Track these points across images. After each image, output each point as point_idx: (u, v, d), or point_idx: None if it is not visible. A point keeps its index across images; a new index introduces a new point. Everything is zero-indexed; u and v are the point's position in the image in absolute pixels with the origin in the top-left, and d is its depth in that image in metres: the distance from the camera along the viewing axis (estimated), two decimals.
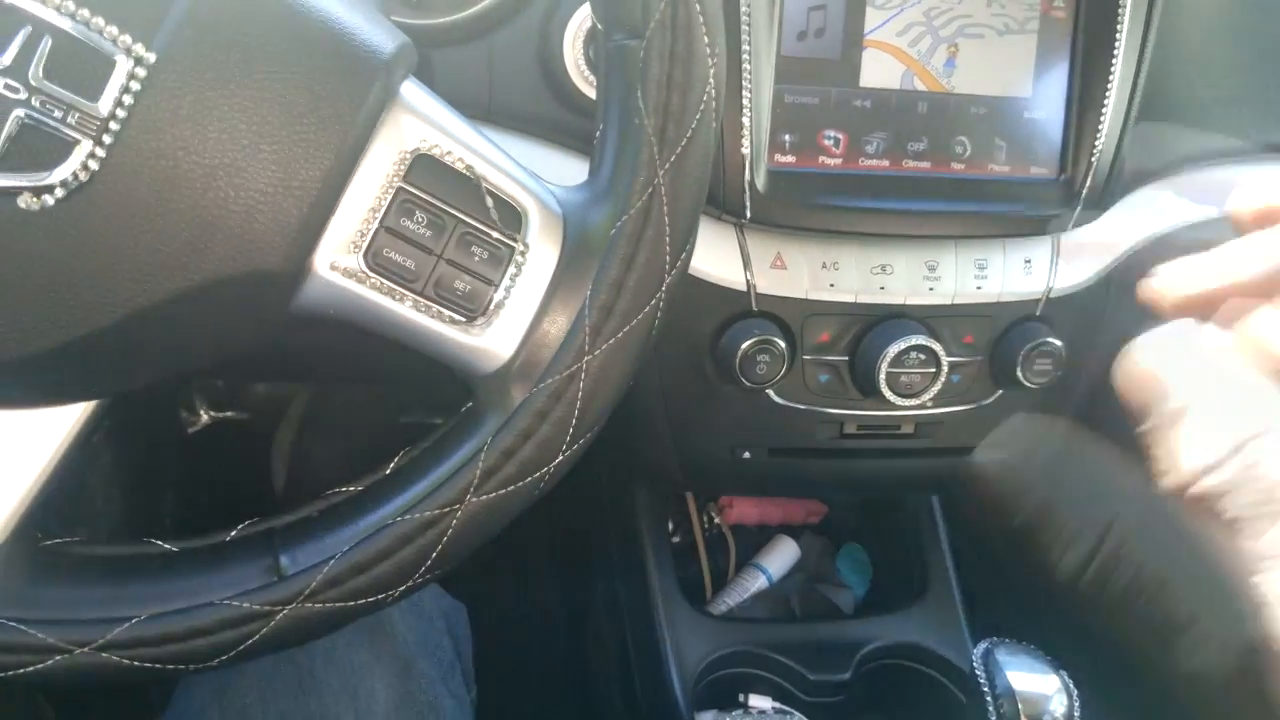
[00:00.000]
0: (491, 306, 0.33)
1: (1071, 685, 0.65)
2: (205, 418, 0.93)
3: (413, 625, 0.55)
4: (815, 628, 0.75)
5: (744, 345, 0.52)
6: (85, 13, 0.28)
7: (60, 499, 0.34)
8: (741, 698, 0.69)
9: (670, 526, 0.82)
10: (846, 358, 0.55)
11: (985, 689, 0.67)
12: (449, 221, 0.32)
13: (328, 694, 0.49)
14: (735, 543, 0.83)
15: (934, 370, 0.53)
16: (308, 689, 0.49)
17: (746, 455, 0.61)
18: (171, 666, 0.32)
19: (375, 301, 0.32)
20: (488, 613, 0.71)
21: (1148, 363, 0.26)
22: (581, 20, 0.49)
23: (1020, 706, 0.65)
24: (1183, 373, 0.25)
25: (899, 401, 0.54)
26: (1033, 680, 0.66)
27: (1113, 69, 0.50)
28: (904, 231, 0.53)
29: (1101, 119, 0.51)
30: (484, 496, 0.33)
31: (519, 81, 0.50)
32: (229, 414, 0.93)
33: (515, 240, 0.33)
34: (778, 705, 0.69)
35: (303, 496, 0.36)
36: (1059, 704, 0.64)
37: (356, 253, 0.31)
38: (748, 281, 0.53)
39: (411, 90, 0.32)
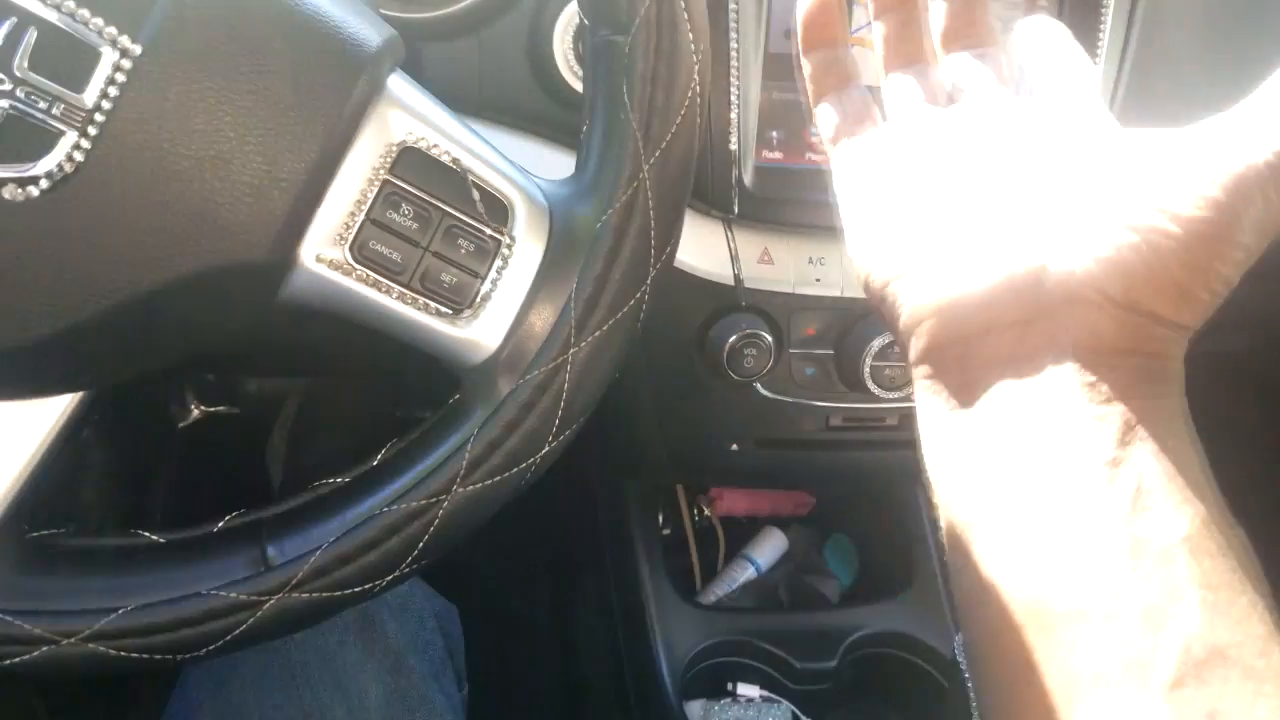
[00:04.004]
0: (478, 299, 0.33)
1: None
2: (196, 412, 0.93)
3: (403, 624, 0.55)
4: (803, 617, 0.75)
5: (731, 339, 0.53)
6: (71, 4, 0.28)
7: (51, 493, 0.34)
8: (730, 686, 0.70)
9: (660, 519, 0.83)
10: (832, 351, 0.56)
11: (969, 676, 0.67)
12: (435, 214, 0.32)
13: (321, 690, 0.50)
14: (724, 534, 0.83)
15: None
16: (301, 684, 0.50)
17: (734, 447, 0.62)
18: (159, 657, 0.32)
19: (361, 294, 0.32)
20: (480, 606, 0.72)
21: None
22: (571, 15, 0.49)
23: None
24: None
25: (883, 394, 0.54)
26: None
27: (1096, 64, 0.51)
28: None
29: None
30: (470, 488, 0.33)
31: (509, 76, 0.50)
32: (220, 408, 0.93)
33: (501, 233, 0.33)
34: (765, 693, 0.69)
35: (296, 492, 0.36)
36: None
37: (342, 245, 0.32)
38: (735, 276, 0.53)
39: (398, 83, 0.33)
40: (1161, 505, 0.24)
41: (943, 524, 0.29)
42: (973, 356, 0.28)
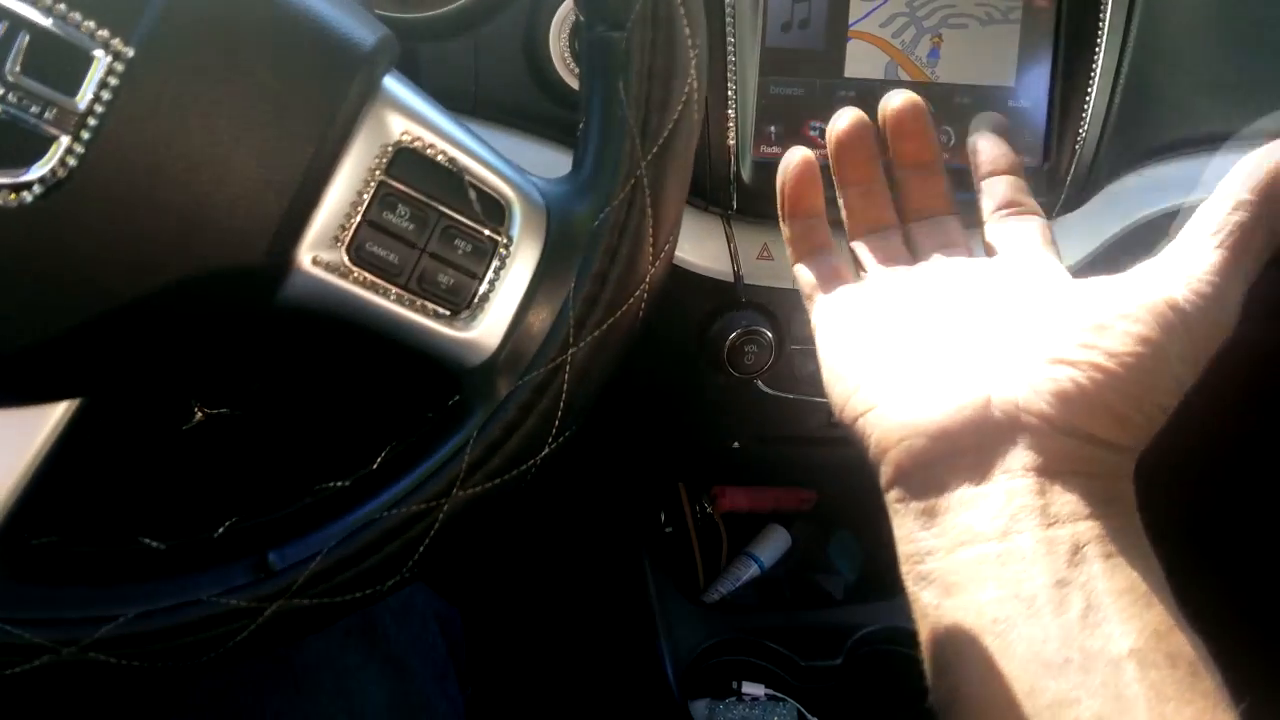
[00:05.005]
0: (476, 300, 0.33)
1: None
2: (199, 415, 0.92)
3: (405, 627, 0.55)
4: (807, 614, 0.75)
5: (731, 336, 0.53)
6: (63, 8, 0.27)
7: (50, 500, 0.34)
8: (734, 685, 0.70)
9: (662, 517, 0.83)
10: None
11: None
12: (432, 215, 0.32)
13: (322, 695, 0.50)
14: (727, 532, 0.83)
15: None
16: (302, 689, 0.50)
17: (736, 445, 0.61)
18: (160, 665, 0.32)
19: (359, 295, 0.32)
20: (482, 607, 0.71)
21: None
22: (566, 13, 0.49)
23: None
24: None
25: None
26: None
27: (1096, 57, 0.50)
28: None
29: (1085, 107, 0.51)
30: (470, 490, 0.33)
31: (505, 75, 0.50)
32: (223, 411, 0.93)
33: (499, 233, 0.33)
34: (770, 692, 0.69)
35: (296, 496, 0.36)
36: None
37: (339, 247, 0.31)
38: (735, 272, 0.53)
39: (394, 84, 0.32)
40: (1110, 620, 0.26)
41: (920, 634, 0.31)
42: (935, 481, 0.30)
